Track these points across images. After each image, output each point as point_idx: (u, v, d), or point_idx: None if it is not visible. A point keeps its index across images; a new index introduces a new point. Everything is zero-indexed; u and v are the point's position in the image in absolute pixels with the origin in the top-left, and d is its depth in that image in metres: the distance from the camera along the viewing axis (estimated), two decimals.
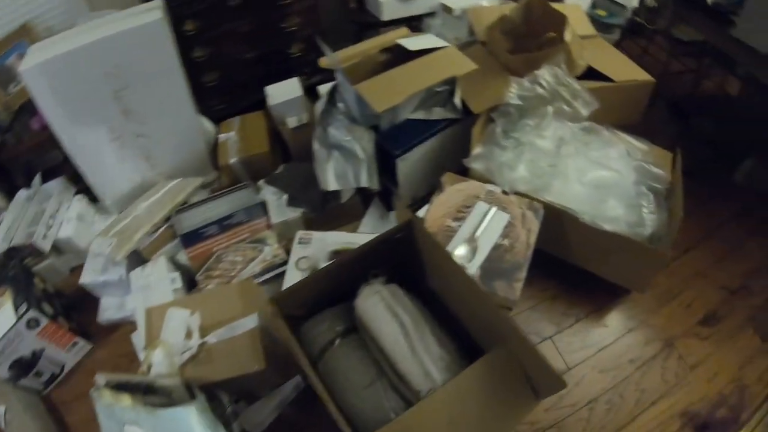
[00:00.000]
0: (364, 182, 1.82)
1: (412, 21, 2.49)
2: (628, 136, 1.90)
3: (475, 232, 1.54)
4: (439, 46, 1.94)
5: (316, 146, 1.88)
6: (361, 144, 1.82)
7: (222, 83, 2.39)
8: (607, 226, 1.55)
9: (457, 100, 1.94)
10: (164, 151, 2.09)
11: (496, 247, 1.51)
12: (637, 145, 1.88)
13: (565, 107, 1.83)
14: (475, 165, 1.77)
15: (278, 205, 1.95)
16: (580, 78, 1.88)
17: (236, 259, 1.77)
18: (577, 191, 1.70)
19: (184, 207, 1.88)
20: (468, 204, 1.60)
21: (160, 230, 1.84)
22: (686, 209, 1.56)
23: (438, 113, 1.96)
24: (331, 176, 1.82)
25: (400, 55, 1.90)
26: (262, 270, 1.80)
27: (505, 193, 1.63)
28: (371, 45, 2.06)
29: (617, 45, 3.11)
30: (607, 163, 1.79)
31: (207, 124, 2.28)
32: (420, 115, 1.95)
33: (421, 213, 1.65)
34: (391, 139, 1.84)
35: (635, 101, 2.10)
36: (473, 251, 1.51)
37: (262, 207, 1.80)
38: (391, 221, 1.98)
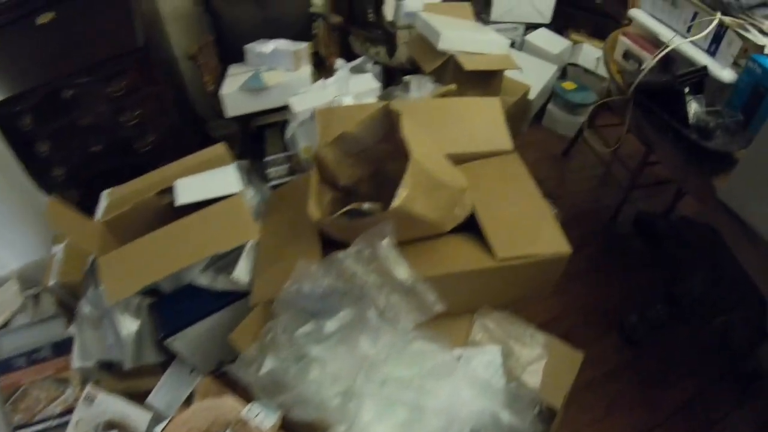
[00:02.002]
0: (128, 363, 1.47)
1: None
2: (513, 323, 1.42)
3: None
4: (227, 193, 1.44)
5: (86, 308, 1.52)
6: (129, 314, 1.46)
7: (71, 177, 2.17)
8: None
9: (239, 274, 1.44)
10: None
11: None
12: (519, 350, 1.37)
13: (389, 305, 1.27)
14: (241, 375, 1.26)
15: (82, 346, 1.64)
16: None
17: (40, 396, 1.65)
18: None
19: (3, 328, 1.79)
20: None
21: None
22: None
23: (223, 282, 1.46)
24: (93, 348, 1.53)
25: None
26: (62, 411, 1.62)
27: None
28: (148, 183, 1.62)
29: (575, 140, 2.53)
30: (437, 394, 1.23)
31: None
32: (205, 280, 1.47)
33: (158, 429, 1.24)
34: (167, 311, 1.46)
35: (542, 278, 1.48)
36: None
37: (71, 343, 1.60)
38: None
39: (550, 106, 2.91)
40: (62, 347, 1.69)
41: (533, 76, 2.82)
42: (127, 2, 2.06)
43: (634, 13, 1.93)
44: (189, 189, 1.52)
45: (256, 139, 2.50)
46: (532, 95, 2.69)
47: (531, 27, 3.30)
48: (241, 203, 1.46)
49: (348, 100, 1.82)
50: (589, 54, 3.02)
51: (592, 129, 2.55)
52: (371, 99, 1.89)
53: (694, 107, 1.52)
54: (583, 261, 2.24)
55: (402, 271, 1.25)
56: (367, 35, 2.70)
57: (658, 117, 1.57)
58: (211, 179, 1.56)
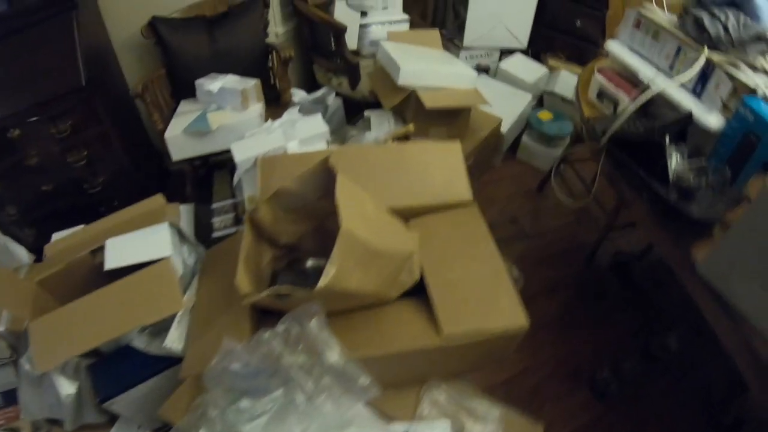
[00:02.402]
0: (68, 425, 1.38)
1: None
2: (466, 395, 1.29)
3: None
4: (157, 257, 1.32)
5: (26, 366, 1.37)
6: (67, 376, 1.35)
7: (24, 216, 2.12)
8: None
9: (171, 342, 1.33)
10: None
11: None
12: (471, 425, 1.24)
13: (319, 389, 1.15)
14: None
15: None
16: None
17: None
18: None
19: None
20: None
21: None
22: None
23: (157, 348, 1.35)
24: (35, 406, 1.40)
25: None
26: None
27: None
28: (86, 236, 1.52)
29: (550, 174, 2.41)
30: None
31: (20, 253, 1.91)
32: (141, 343, 1.36)
33: None
34: (105, 373, 1.35)
35: (497, 352, 1.36)
36: None
37: None
38: None
39: (524, 138, 2.79)
40: (13, 396, 1.58)
41: (507, 106, 2.72)
42: (71, 38, 1.93)
43: (611, 46, 1.73)
44: (119, 251, 1.39)
45: (210, 176, 2.37)
46: (505, 127, 2.59)
47: (507, 52, 3.19)
48: (169, 270, 1.33)
49: (294, 146, 1.70)
50: (567, 81, 2.91)
51: (567, 164, 2.44)
52: (320, 144, 1.77)
53: (675, 160, 1.35)
54: (556, 307, 2.12)
55: (332, 352, 1.13)
56: (329, 65, 2.59)
57: (634, 173, 1.39)
58: (142, 240, 1.43)
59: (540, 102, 3.04)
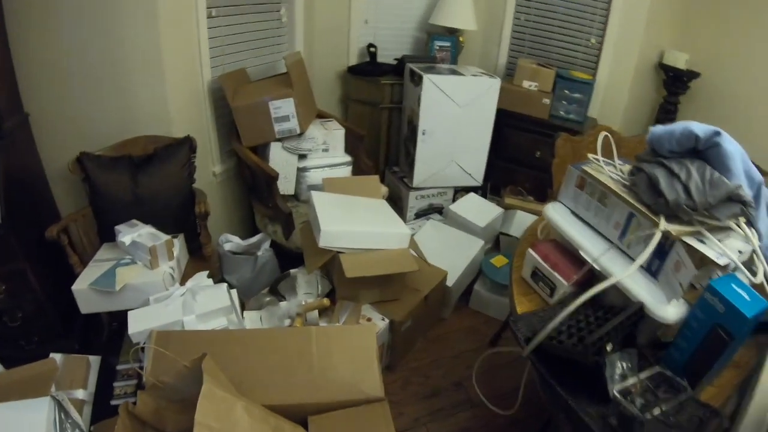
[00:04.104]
0: None
1: None
2: None
3: None
4: None
5: None
6: None
7: None
8: None
9: None
10: None
11: None
12: None
13: None
14: None
15: None
16: None
17: None
18: None
19: None
20: None
21: None
22: None
23: None
24: None
25: None
26: None
27: None
28: None
29: (505, 326, 2.17)
30: None
31: None
32: None
33: None
34: None
35: None
36: None
37: None
38: None
39: (477, 287, 2.55)
40: None
41: (457, 252, 2.52)
42: None
43: (550, 211, 1.42)
44: None
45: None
46: (453, 277, 2.38)
47: (462, 190, 3.04)
48: None
49: (191, 322, 1.47)
50: (523, 222, 2.75)
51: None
52: (219, 320, 1.55)
53: (617, 372, 1.07)
54: None
55: None
56: (266, 211, 2.40)
57: (557, 396, 1.07)
58: (15, 417, 1.16)
59: (497, 243, 2.85)
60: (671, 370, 1.10)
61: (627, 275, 1.16)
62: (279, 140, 2.42)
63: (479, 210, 2.81)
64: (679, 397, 1.04)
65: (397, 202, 3.01)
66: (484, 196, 3.09)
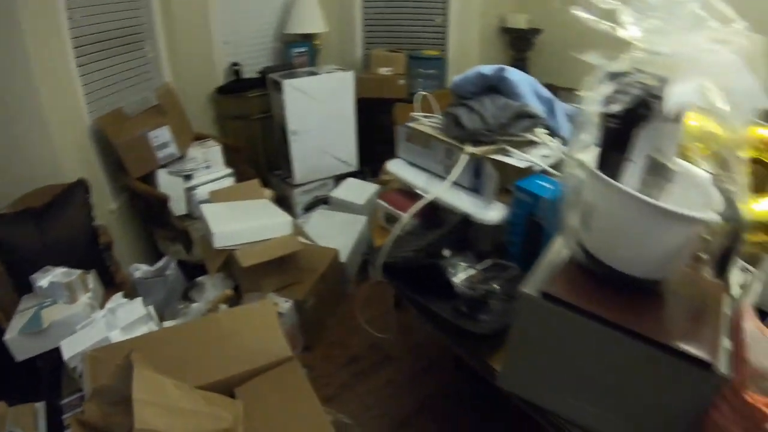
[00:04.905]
0: None
1: None
2: None
3: None
4: None
5: None
6: None
7: None
8: None
9: None
10: None
11: None
12: None
13: None
14: None
15: None
16: None
17: None
18: None
19: None
20: None
21: None
22: None
23: None
24: None
25: None
26: None
27: None
28: None
29: None
30: None
31: None
32: None
33: None
34: None
35: None
36: None
37: None
38: None
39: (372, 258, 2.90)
40: None
41: (344, 233, 2.85)
42: None
43: (391, 166, 1.74)
44: None
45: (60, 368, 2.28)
46: (345, 253, 2.70)
47: (342, 177, 3.39)
48: None
49: (116, 335, 1.71)
50: None
51: None
52: (143, 327, 1.79)
53: (460, 273, 1.30)
54: (435, 425, 2.06)
55: None
56: (166, 234, 2.63)
57: (415, 301, 1.35)
58: None
59: None
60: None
61: (442, 191, 1.49)
62: (163, 166, 2.66)
63: (358, 190, 3.16)
64: (509, 273, 1.31)
65: (284, 202, 3.29)
66: (365, 179, 3.42)
